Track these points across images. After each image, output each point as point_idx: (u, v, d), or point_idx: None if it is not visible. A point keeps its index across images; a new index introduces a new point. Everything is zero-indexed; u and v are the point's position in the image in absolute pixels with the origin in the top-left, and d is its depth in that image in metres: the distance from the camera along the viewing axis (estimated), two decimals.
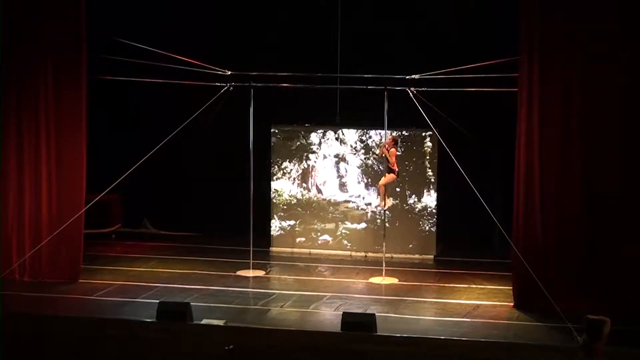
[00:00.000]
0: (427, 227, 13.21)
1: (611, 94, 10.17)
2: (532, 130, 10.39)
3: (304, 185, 13.62)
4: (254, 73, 12.19)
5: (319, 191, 13.63)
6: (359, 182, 13.53)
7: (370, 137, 13.37)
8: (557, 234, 10.41)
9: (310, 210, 13.62)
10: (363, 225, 13.49)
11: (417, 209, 13.22)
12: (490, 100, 11.75)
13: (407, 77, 11.77)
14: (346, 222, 13.55)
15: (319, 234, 13.55)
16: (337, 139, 13.52)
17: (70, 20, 11.31)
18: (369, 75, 12.07)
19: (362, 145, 13.43)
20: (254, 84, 12.01)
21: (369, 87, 12.07)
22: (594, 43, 10.14)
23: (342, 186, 13.61)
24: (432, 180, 13.17)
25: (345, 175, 13.58)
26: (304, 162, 13.60)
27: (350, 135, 13.45)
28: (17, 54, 11.42)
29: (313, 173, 13.64)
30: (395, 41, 13.34)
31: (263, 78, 12.21)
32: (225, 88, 11.96)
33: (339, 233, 13.50)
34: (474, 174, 10.87)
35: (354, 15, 13.19)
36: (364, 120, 13.18)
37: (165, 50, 12.00)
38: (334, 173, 13.59)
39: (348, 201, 13.57)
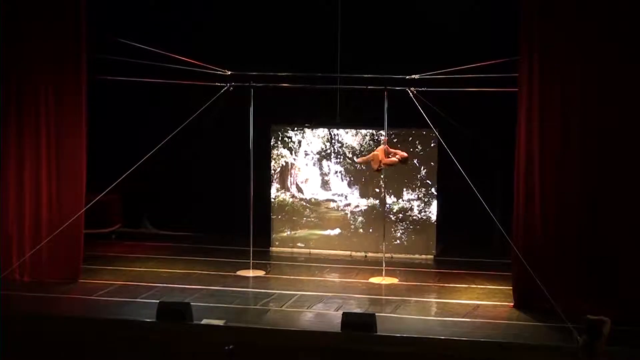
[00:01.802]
0: (398, 234, 13.18)
1: (611, 93, 10.16)
2: (532, 130, 10.38)
3: (277, 186, 13.53)
4: (254, 73, 12.19)
5: (299, 190, 13.56)
6: (342, 180, 13.49)
7: (340, 142, 13.34)
8: (557, 234, 10.41)
9: (281, 214, 13.52)
10: (337, 231, 13.47)
11: (394, 210, 13.23)
12: (490, 100, 11.75)
13: (407, 77, 11.77)
14: (317, 230, 13.49)
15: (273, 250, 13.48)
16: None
17: (70, 20, 11.30)
18: (369, 75, 12.07)
19: (330, 148, 13.41)
20: (254, 84, 12.01)
21: (369, 87, 12.07)
22: (594, 43, 10.13)
23: (325, 184, 13.56)
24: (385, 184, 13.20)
25: (329, 173, 13.54)
26: (280, 160, 13.50)
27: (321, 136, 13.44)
28: (17, 54, 11.41)
29: (293, 171, 13.57)
30: (395, 41, 13.33)
31: (263, 78, 12.21)
32: (225, 88, 11.96)
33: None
34: (474, 174, 10.87)
35: (354, 15, 13.19)
36: (364, 120, 13.19)
37: (165, 50, 12.00)
38: (316, 171, 13.54)
39: (330, 200, 13.51)
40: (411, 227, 13.16)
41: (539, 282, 9.81)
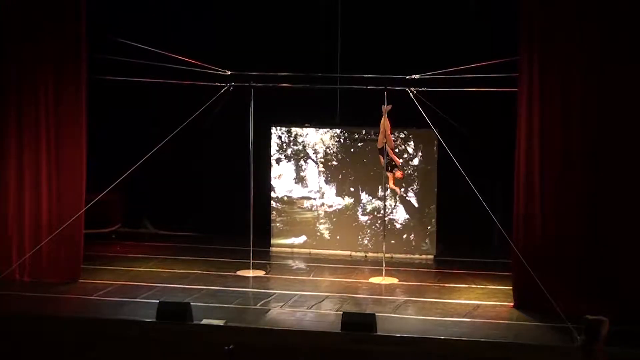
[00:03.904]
0: (365, 241, 13.18)
1: (611, 93, 10.15)
2: (532, 130, 10.38)
3: None
4: (254, 73, 12.19)
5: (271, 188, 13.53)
6: (318, 176, 13.46)
7: (301, 142, 13.34)
8: (557, 234, 10.41)
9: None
10: (303, 238, 13.47)
11: (367, 210, 13.23)
12: (490, 100, 11.74)
13: (407, 77, 11.76)
14: (279, 239, 13.44)
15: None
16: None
17: (71, 20, 11.30)
18: (369, 75, 12.07)
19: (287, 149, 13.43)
20: (254, 84, 12.01)
21: (369, 87, 12.07)
22: (594, 43, 10.13)
23: (302, 180, 13.52)
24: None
25: (305, 169, 13.49)
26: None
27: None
28: (17, 53, 11.42)
29: None
30: (395, 41, 13.33)
31: (263, 78, 12.21)
32: (225, 88, 11.96)
33: None
34: (474, 174, 10.87)
35: (353, 15, 13.18)
36: (364, 120, 13.18)
37: (165, 50, 12.00)
38: (290, 166, 13.49)
39: (304, 198, 13.46)
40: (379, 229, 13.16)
41: (539, 282, 9.81)
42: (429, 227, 13.09)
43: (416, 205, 13.08)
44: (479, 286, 11.53)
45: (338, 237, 13.34)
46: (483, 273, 12.10)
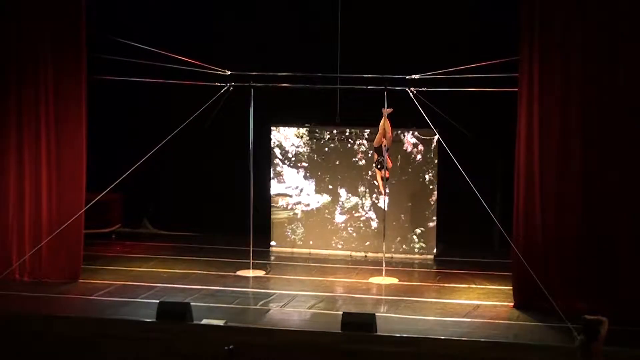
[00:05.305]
0: (340, 245, 13.20)
1: (611, 94, 10.15)
2: (532, 130, 10.38)
3: None
4: (254, 73, 12.19)
5: None
6: (297, 172, 13.43)
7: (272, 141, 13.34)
8: (557, 234, 10.40)
9: None
10: (273, 243, 13.44)
11: (346, 208, 13.22)
12: (491, 100, 11.74)
13: (407, 77, 11.76)
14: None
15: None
16: None
17: (71, 20, 11.30)
18: (369, 75, 12.07)
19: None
20: (254, 84, 12.01)
21: (369, 87, 12.07)
22: (594, 43, 10.13)
23: (278, 176, 13.49)
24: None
25: (282, 164, 13.46)
26: None
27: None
28: (17, 53, 11.42)
29: None
30: (395, 41, 13.33)
31: (263, 78, 12.21)
32: (225, 88, 11.97)
33: None
34: (474, 174, 10.87)
35: (354, 14, 13.19)
36: (364, 120, 13.18)
37: (165, 50, 12.00)
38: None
39: (280, 195, 13.41)
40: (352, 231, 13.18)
41: (539, 282, 9.82)
42: (428, 225, 13.10)
43: (385, 208, 13.05)
44: (479, 286, 11.53)
45: (311, 242, 13.32)
46: (483, 273, 12.10)
